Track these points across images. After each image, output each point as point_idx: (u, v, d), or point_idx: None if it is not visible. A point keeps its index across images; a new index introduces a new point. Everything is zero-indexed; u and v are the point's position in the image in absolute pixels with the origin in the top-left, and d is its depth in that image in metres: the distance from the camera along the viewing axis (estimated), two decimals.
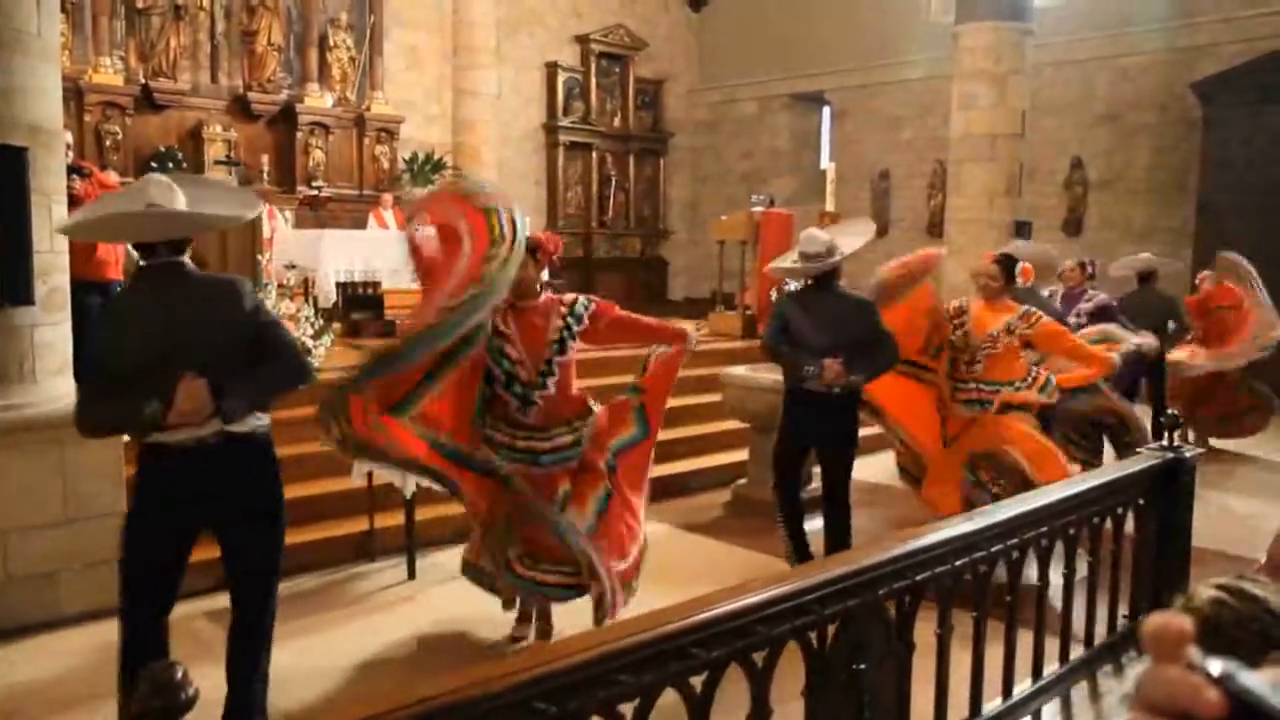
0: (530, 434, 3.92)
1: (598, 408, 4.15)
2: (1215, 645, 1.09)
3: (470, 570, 4.16)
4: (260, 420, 3.08)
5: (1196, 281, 8.94)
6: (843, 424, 4.86)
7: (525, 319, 3.97)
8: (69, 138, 7.67)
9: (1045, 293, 6.91)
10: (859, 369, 4.62)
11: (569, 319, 3.99)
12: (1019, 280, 5.39)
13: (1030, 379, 5.23)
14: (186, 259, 3.08)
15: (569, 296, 4.13)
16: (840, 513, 4.92)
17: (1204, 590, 1.19)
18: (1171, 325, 7.57)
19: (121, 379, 2.90)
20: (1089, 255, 8.87)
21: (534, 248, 3.98)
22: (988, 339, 5.11)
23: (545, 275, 4.29)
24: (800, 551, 5.02)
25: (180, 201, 3.04)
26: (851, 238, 4.99)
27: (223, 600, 4.69)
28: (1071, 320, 6.66)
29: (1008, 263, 5.26)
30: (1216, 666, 0.61)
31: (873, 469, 7.13)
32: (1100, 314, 6.77)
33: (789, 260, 4.98)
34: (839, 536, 4.90)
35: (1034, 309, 5.23)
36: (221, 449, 2.95)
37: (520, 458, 3.89)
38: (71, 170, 6.90)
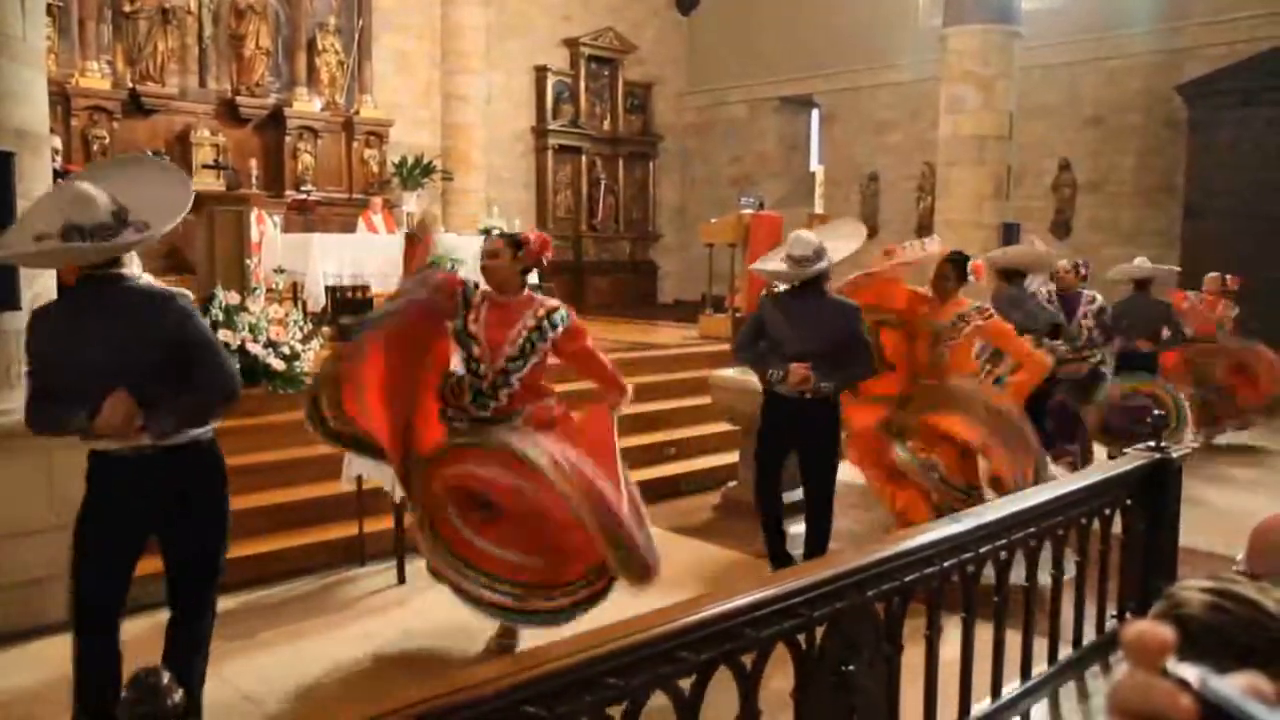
0: (488, 420, 3.88)
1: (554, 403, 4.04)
2: (1218, 651, 1.08)
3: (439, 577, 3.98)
4: (201, 430, 3.14)
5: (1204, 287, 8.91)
6: (818, 426, 4.76)
7: (496, 314, 3.92)
8: (58, 142, 7.65)
9: (1043, 291, 6.96)
10: (830, 377, 4.56)
11: (541, 325, 3.91)
12: (970, 278, 5.43)
13: (981, 377, 5.25)
14: (125, 269, 3.05)
15: (551, 302, 4.03)
16: (821, 516, 4.88)
17: (1194, 594, 1.17)
18: (1165, 332, 7.59)
19: (57, 385, 2.99)
20: (1079, 257, 8.90)
21: (519, 243, 3.98)
22: (950, 328, 5.13)
23: (534, 277, 4.25)
24: (777, 557, 4.97)
25: (101, 211, 2.92)
26: (842, 241, 4.93)
27: None
28: (1083, 323, 6.72)
29: (959, 262, 5.28)
30: (1191, 673, 0.61)
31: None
32: (1104, 312, 6.79)
33: (774, 262, 4.86)
34: (818, 540, 4.86)
35: (985, 305, 5.28)
36: (161, 458, 3.03)
37: (471, 440, 3.82)
38: (60, 175, 6.88)
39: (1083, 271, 7.22)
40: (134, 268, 3.21)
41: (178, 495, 3.10)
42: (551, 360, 4.03)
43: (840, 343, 4.61)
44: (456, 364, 4.02)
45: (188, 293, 3.20)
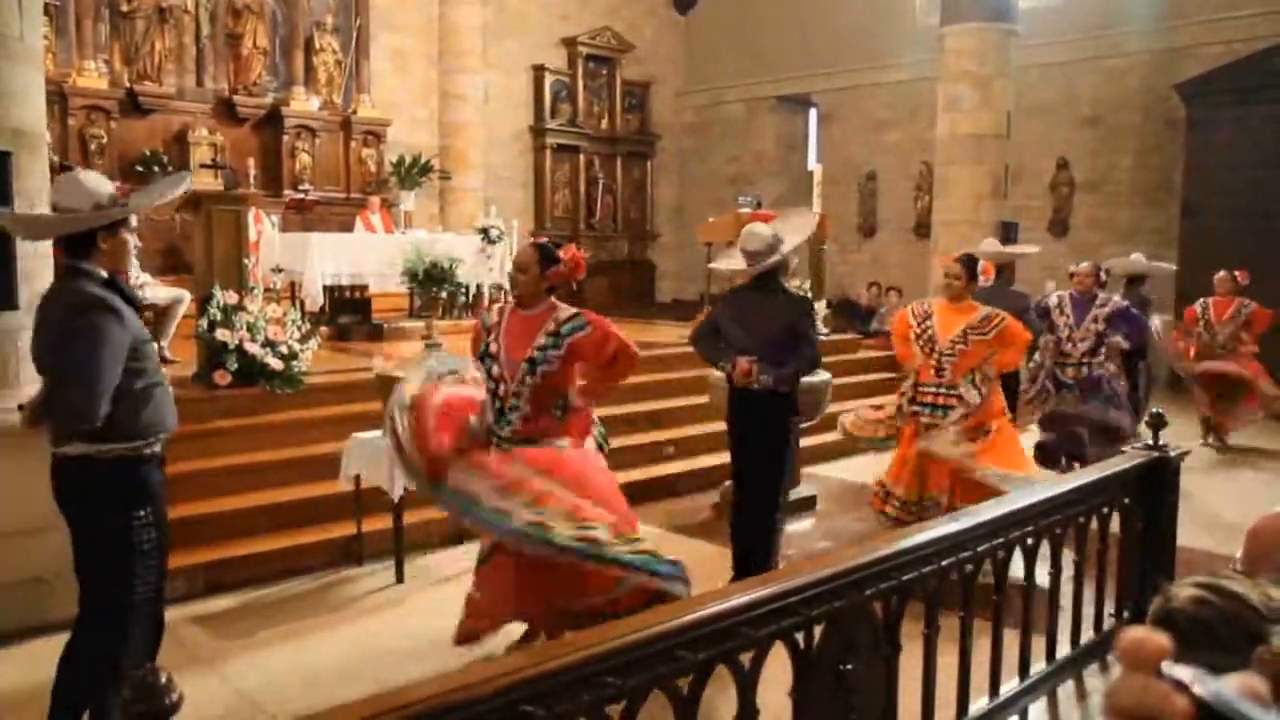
0: (500, 444, 3.76)
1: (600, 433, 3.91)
2: (1203, 644, 1.10)
3: None
4: (97, 447, 3.05)
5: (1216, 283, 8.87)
6: (767, 420, 4.71)
7: (516, 328, 3.78)
8: (46, 136, 7.63)
9: (1053, 298, 6.97)
10: (770, 371, 4.52)
11: (554, 336, 3.70)
12: (980, 278, 5.42)
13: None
14: (85, 263, 3.06)
15: (568, 311, 3.80)
16: (759, 520, 4.76)
17: (1183, 589, 1.20)
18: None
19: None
20: (1077, 257, 8.92)
21: (550, 258, 3.77)
22: (949, 345, 5.08)
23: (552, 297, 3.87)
24: (738, 557, 4.91)
25: (76, 198, 3.05)
26: (795, 233, 4.99)
27: (209, 605, 4.70)
28: (1091, 326, 6.71)
29: (970, 262, 5.28)
30: (1186, 673, 0.62)
31: (859, 470, 7.15)
32: (1120, 317, 6.74)
33: (732, 258, 4.90)
34: (754, 553, 4.72)
35: (996, 312, 5.18)
36: (58, 467, 3.10)
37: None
38: (65, 169, 6.89)
39: (1103, 278, 7.16)
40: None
41: (63, 505, 3.14)
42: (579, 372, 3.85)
43: (783, 336, 4.62)
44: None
45: (115, 307, 3.07)
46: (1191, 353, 8.65)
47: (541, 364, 3.67)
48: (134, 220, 3.22)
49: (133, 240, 3.23)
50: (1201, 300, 8.74)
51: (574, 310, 3.81)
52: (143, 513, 3.10)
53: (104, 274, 3.09)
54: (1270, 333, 8.54)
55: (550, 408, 3.74)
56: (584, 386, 3.81)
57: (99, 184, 3.10)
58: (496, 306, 3.94)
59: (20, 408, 3.07)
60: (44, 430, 3.06)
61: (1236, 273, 8.59)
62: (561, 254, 3.83)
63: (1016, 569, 3.28)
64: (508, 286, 3.99)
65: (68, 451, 3.05)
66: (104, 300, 2.99)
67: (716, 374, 6.66)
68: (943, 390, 5.09)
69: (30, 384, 4.42)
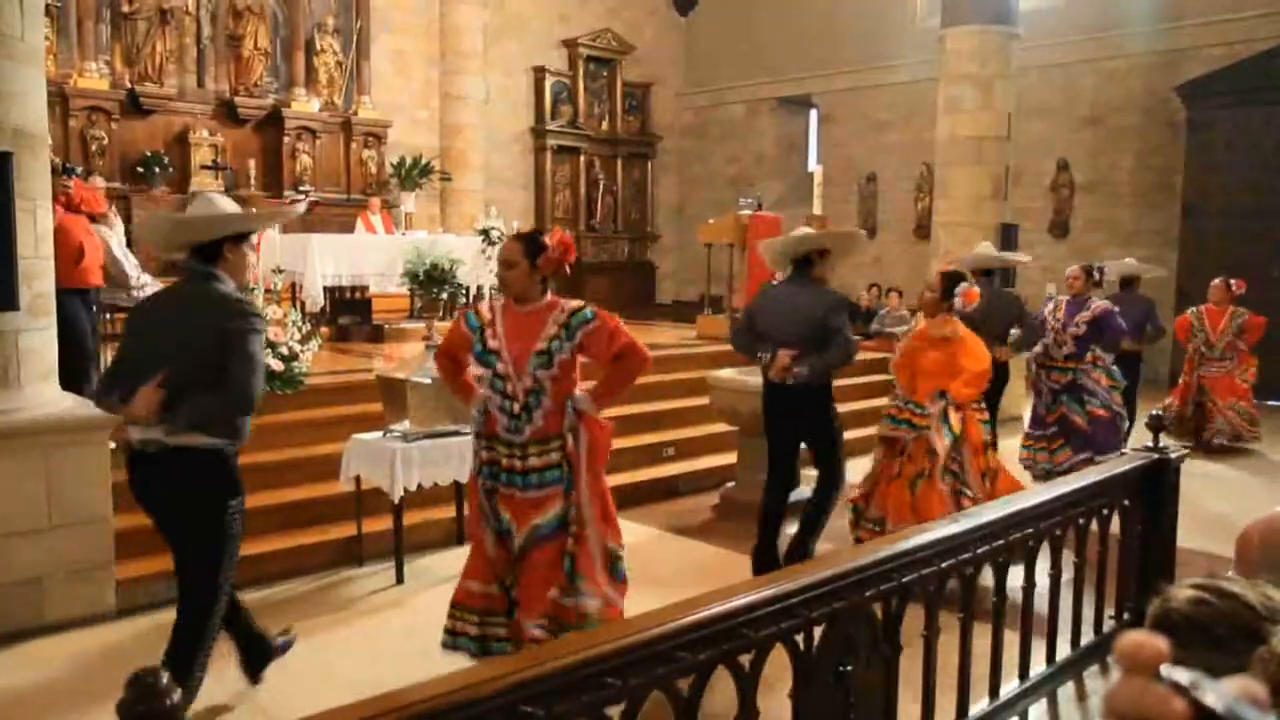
0: (513, 450, 3.55)
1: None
2: (1201, 644, 1.10)
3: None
4: (210, 440, 3.17)
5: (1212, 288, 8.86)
6: (807, 409, 4.90)
7: (515, 323, 3.57)
8: (48, 137, 7.66)
9: (1050, 304, 6.96)
10: (806, 363, 4.69)
11: (564, 329, 3.49)
12: (958, 302, 5.01)
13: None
14: (214, 268, 3.23)
15: (574, 303, 3.60)
16: (827, 474, 5.02)
17: (1182, 590, 1.21)
18: (1149, 328, 7.60)
19: (124, 371, 3.22)
20: (1077, 258, 8.90)
21: (536, 248, 3.54)
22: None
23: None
24: (760, 552, 4.97)
25: (216, 209, 3.27)
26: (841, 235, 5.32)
27: None
28: (1070, 330, 6.68)
29: (950, 278, 5.10)
30: (1184, 676, 0.62)
31: (858, 471, 7.14)
32: (1097, 323, 6.69)
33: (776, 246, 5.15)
34: (803, 526, 5.01)
35: (964, 330, 5.01)
36: (160, 458, 3.17)
37: (505, 478, 3.57)
38: (69, 170, 6.89)
39: (1096, 277, 7.07)
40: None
41: (166, 494, 3.24)
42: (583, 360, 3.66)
43: (815, 330, 4.74)
44: (482, 391, 3.66)
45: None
46: (1188, 363, 8.65)
47: (558, 353, 3.48)
48: (254, 239, 3.42)
49: (253, 258, 3.38)
50: (1194, 309, 8.69)
51: (581, 302, 3.64)
52: (235, 501, 3.27)
53: (232, 283, 3.27)
54: (1264, 338, 8.54)
55: (564, 404, 3.55)
56: (596, 389, 3.61)
57: (228, 204, 3.38)
58: (485, 304, 3.73)
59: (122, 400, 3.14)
60: (168, 425, 3.12)
61: (1232, 281, 8.54)
62: (547, 240, 3.61)
63: (1016, 571, 3.28)
64: (498, 287, 3.90)
65: (175, 442, 3.14)
66: (252, 306, 3.22)
67: (719, 375, 6.71)
68: (910, 405, 5.01)
69: (30, 385, 4.43)
